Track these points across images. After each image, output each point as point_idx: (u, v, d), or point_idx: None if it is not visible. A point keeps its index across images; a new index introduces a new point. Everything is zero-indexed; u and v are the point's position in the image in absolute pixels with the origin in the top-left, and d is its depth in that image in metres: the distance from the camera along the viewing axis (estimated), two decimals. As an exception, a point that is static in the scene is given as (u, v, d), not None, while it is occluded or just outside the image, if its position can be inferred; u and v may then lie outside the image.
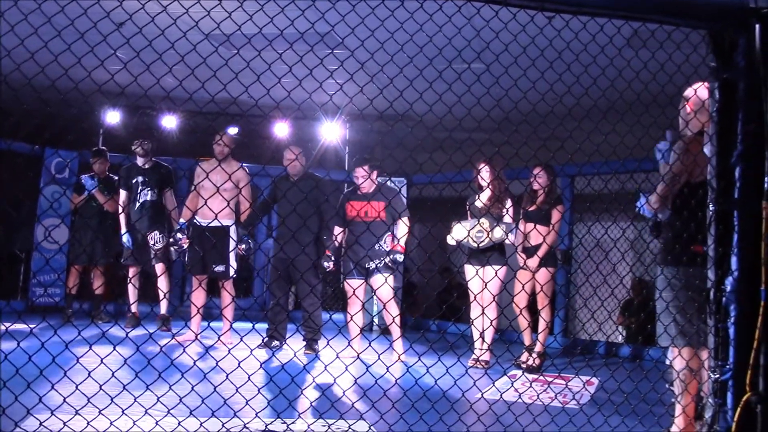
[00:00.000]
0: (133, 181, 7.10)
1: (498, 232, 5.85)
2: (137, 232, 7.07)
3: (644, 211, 3.55)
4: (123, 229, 7.12)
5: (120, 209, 7.26)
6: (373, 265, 5.90)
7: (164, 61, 2.90)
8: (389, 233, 5.95)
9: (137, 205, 7.09)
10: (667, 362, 3.55)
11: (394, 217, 5.91)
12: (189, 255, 6.49)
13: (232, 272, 6.39)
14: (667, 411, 3.45)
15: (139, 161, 7.14)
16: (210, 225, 6.25)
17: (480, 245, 5.88)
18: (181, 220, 6.48)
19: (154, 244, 6.81)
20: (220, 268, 6.34)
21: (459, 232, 6.01)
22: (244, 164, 6.43)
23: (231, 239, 6.37)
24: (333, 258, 6.20)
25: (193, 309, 6.53)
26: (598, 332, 8.23)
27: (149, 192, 7.10)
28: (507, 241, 5.96)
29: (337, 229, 6.20)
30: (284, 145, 6.75)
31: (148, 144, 7.12)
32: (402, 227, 5.96)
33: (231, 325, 6.11)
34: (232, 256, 6.38)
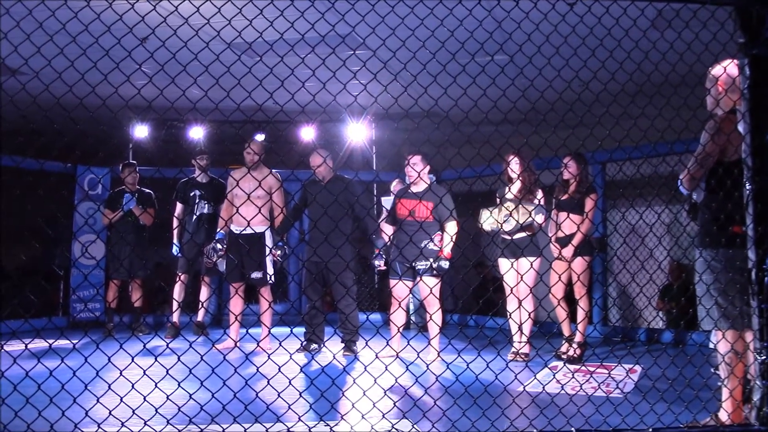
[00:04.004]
0: (191, 194, 7.30)
1: (524, 214, 5.78)
2: (192, 243, 7.22)
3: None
4: (175, 239, 7.37)
5: (174, 221, 7.46)
6: (421, 267, 5.87)
7: (188, 72, 2.93)
8: (438, 233, 5.90)
9: (194, 217, 7.29)
10: (711, 346, 3.49)
11: (441, 219, 5.87)
12: (226, 263, 6.56)
13: (269, 278, 6.42)
14: (714, 395, 3.39)
15: (197, 175, 7.36)
16: (245, 232, 6.29)
17: (509, 229, 5.81)
18: (220, 231, 6.55)
19: (207, 258, 6.93)
20: (257, 275, 6.38)
21: (487, 219, 5.95)
22: (274, 170, 6.47)
23: (266, 245, 6.41)
24: (384, 256, 6.19)
25: (231, 317, 6.58)
26: (639, 319, 8.14)
27: (206, 205, 7.34)
28: (536, 223, 5.83)
29: (388, 228, 6.19)
30: (311, 149, 6.77)
31: (207, 159, 7.37)
32: (448, 232, 5.91)
33: (269, 331, 6.14)
34: (268, 262, 6.42)
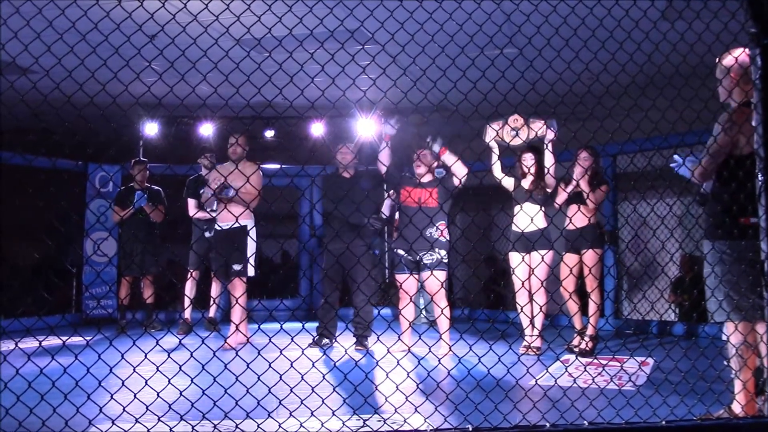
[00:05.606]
0: (201, 191, 7.32)
1: (538, 214, 5.75)
2: (202, 239, 7.25)
3: (681, 171, 3.45)
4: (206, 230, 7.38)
5: (190, 212, 7.49)
6: (425, 260, 5.85)
7: (198, 69, 2.93)
8: (442, 222, 5.89)
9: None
10: (724, 338, 3.48)
11: (448, 188, 5.86)
12: (213, 264, 6.54)
13: (250, 271, 6.35)
14: (727, 388, 3.38)
15: (204, 173, 7.42)
16: (228, 228, 6.31)
17: (524, 230, 5.81)
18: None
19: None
20: (236, 267, 6.30)
21: (493, 135, 5.88)
22: (261, 164, 6.46)
23: (251, 238, 6.37)
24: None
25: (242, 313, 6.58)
26: (651, 312, 8.11)
27: (215, 202, 7.32)
28: (547, 137, 5.72)
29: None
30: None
31: (214, 157, 7.43)
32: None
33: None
34: (250, 257, 6.36)
